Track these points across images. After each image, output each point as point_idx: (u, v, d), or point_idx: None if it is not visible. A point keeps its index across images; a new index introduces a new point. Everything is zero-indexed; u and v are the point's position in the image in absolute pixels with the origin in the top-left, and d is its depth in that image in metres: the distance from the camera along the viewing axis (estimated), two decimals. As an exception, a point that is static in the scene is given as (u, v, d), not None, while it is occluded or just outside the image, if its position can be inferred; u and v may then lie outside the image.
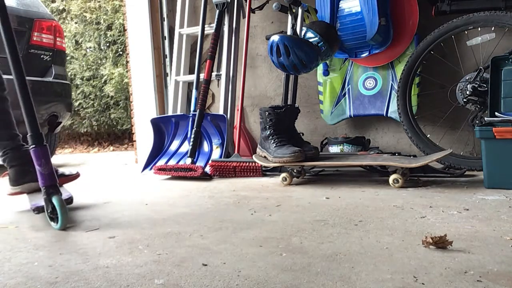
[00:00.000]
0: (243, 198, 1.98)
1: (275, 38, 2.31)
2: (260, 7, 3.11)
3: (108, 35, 6.67)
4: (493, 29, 2.38)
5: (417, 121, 2.51)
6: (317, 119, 3.22)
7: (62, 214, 1.47)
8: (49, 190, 1.51)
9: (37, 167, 1.50)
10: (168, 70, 3.70)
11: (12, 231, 1.55)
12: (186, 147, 2.97)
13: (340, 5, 2.76)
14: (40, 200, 1.61)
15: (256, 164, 2.58)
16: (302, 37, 2.41)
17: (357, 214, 1.55)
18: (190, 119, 3.01)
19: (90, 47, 6.84)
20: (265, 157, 2.40)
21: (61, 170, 1.98)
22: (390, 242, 1.20)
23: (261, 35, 3.36)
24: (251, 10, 3.10)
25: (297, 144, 2.35)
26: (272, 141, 2.35)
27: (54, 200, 1.49)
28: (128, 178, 2.91)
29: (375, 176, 2.41)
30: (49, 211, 1.51)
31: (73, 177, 2.01)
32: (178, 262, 1.11)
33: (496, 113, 2.02)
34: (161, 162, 2.99)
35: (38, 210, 1.60)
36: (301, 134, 2.51)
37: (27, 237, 1.45)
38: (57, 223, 1.49)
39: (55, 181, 1.52)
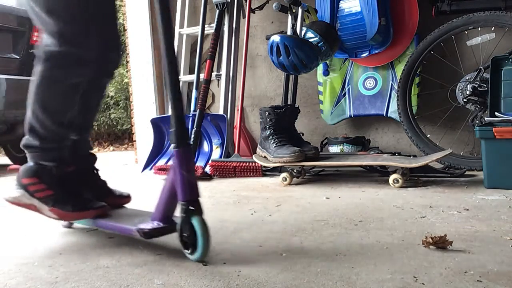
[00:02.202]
0: (243, 198, 1.98)
1: (275, 38, 2.31)
2: (260, 7, 3.11)
3: (108, 35, 6.67)
4: (493, 29, 2.38)
5: (417, 121, 2.51)
6: (317, 119, 3.22)
7: (204, 243, 1.09)
8: (190, 206, 1.12)
9: (180, 173, 1.12)
10: (168, 70, 3.70)
11: (12, 231, 1.55)
12: (186, 147, 2.97)
13: (340, 5, 2.76)
14: (144, 220, 1.23)
15: (256, 164, 2.58)
16: (302, 37, 2.41)
17: (357, 214, 1.55)
18: (190, 119, 3.01)
19: (90, 47, 6.84)
20: (265, 157, 2.40)
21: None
22: (390, 242, 1.20)
23: (261, 35, 3.36)
24: (251, 10, 3.10)
25: (297, 144, 2.35)
26: (272, 141, 2.35)
27: (195, 221, 1.10)
28: (128, 178, 2.91)
29: (375, 176, 2.41)
30: (185, 235, 1.12)
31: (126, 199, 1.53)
32: (178, 262, 1.11)
33: (496, 113, 2.02)
34: (161, 162, 2.99)
35: (150, 234, 1.17)
36: (301, 134, 2.51)
37: (27, 237, 1.45)
38: (193, 251, 1.11)
39: (197, 195, 1.14)
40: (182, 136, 1.15)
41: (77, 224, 1.51)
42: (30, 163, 1.31)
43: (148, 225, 1.18)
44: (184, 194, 1.12)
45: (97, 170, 1.49)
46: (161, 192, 1.18)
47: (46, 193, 1.29)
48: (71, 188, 1.35)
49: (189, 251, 1.12)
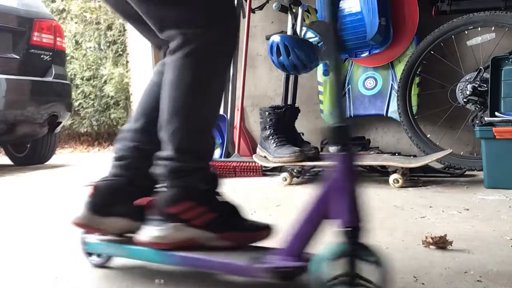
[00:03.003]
0: (243, 198, 1.97)
1: (275, 38, 2.31)
2: (260, 7, 3.11)
3: (108, 35, 6.67)
4: (493, 29, 2.37)
5: (417, 121, 2.51)
6: (317, 119, 3.21)
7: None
8: (356, 235, 0.84)
9: (339, 186, 0.85)
10: (168, 70, 3.70)
11: (11, 232, 1.55)
12: (186, 147, 2.97)
13: (340, 5, 2.76)
14: (264, 253, 0.90)
15: (256, 164, 2.58)
16: (302, 37, 2.41)
17: (357, 214, 1.54)
18: (190, 119, 3.01)
19: (90, 47, 6.84)
20: (265, 157, 2.40)
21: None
22: (390, 242, 1.20)
23: (261, 35, 3.36)
24: (251, 10, 3.10)
25: (297, 144, 2.35)
26: (272, 141, 2.34)
27: (371, 256, 0.82)
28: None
29: (375, 176, 2.40)
30: (353, 279, 0.80)
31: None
32: (178, 262, 1.11)
33: (496, 113, 2.02)
34: (161, 162, 2.99)
35: (286, 274, 0.86)
36: (301, 134, 2.51)
37: (27, 238, 1.45)
38: None
39: (361, 218, 0.85)
40: (347, 133, 0.83)
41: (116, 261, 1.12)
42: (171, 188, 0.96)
43: (280, 262, 0.85)
44: (350, 216, 0.84)
45: None
46: (304, 214, 0.86)
47: (208, 217, 0.96)
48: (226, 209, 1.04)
49: None
